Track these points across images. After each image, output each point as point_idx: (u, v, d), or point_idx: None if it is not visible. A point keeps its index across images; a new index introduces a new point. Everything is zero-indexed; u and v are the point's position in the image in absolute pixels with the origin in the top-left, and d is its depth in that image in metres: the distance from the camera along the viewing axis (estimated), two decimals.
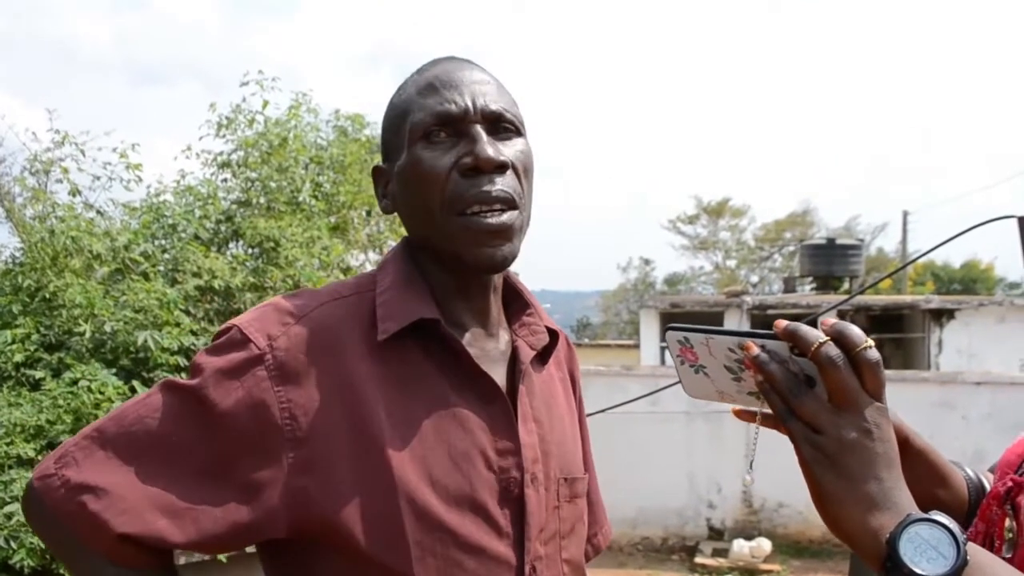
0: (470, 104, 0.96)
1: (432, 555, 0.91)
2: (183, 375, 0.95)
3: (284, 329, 0.93)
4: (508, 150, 0.97)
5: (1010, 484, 0.94)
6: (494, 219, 0.94)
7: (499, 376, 1.00)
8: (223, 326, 0.96)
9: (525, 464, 0.97)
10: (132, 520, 0.87)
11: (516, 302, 1.09)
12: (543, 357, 1.08)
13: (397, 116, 1.00)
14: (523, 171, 0.98)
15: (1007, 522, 0.92)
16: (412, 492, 0.90)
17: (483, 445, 0.96)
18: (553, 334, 1.09)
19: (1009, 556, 0.90)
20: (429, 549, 0.91)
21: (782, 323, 0.74)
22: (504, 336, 1.05)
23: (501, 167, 0.95)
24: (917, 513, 0.70)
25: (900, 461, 0.74)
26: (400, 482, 0.90)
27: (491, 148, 0.95)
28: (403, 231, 1.08)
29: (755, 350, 0.75)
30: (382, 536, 0.90)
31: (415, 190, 0.97)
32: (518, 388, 1.01)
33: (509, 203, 0.95)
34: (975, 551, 0.70)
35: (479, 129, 0.95)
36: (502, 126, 0.98)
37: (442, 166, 0.95)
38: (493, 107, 0.96)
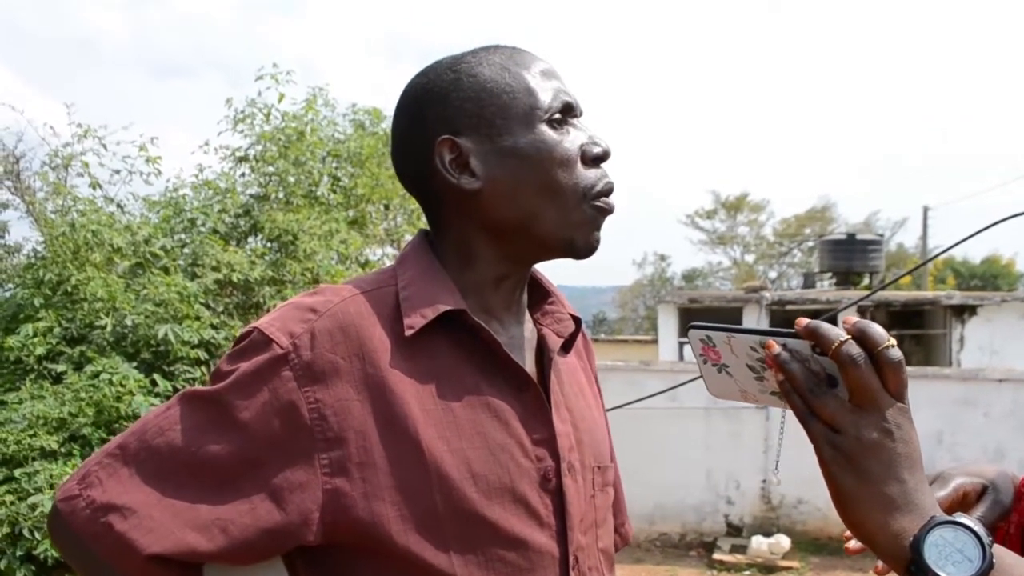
0: (578, 98, 1.00)
1: (473, 551, 0.89)
2: (203, 368, 0.95)
3: (306, 326, 0.90)
4: None
5: None
6: (610, 207, 0.99)
7: (528, 365, 0.99)
8: (243, 330, 0.94)
9: (561, 453, 0.96)
10: (160, 539, 0.85)
11: (537, 292, 1.07)
12: (567, 345, 1.07)
13: (505, 92, 0.95)
14: None
15: None
16: (451, 487, 0.88)
17: (519, 435, 0.94)
18: (577, 320, 1.08)
19: None
20: (470, 545, 0.89)
21: (803, 321, 0.73)
22: (529, 325, 1.04)
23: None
24: (941, 516, 0.69)
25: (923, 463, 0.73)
26: (438, 478, 0.88)
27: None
28: (421, 224, 1.07)
29: (776, 349, 0.74)
30: (422, 534, 0.87)
31: (546, 172, 0.95)
32: (548, 376, 0.99)
33: None
34: (1001, 553, 0.69)
35: (583, 122, 1.00)
36: None
37: (576, 152, 0.97)
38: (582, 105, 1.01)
